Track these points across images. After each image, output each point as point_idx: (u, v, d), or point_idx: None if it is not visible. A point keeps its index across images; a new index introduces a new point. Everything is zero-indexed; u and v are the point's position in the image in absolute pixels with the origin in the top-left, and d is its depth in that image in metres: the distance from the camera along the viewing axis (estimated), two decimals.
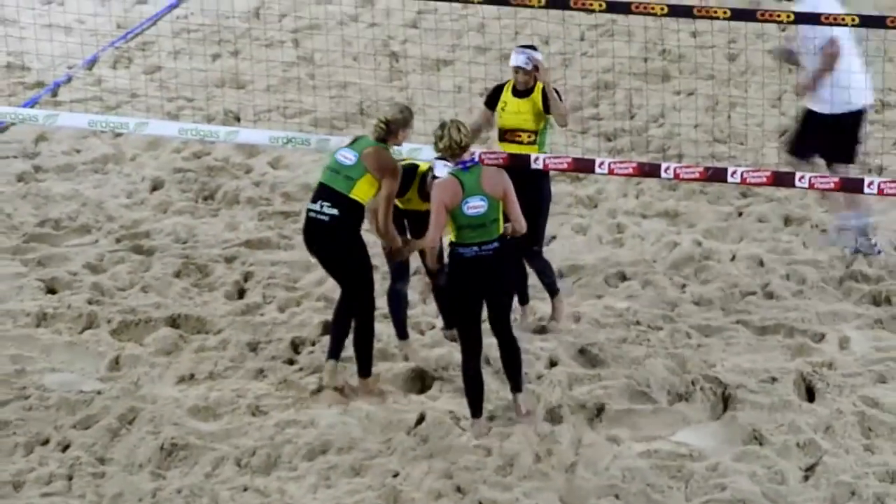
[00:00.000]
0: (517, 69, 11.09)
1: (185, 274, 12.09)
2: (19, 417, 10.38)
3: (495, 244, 9.99)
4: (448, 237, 10.07)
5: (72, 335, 11.26)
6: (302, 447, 10.09)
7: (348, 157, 10.39)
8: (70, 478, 9.85)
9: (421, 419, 10.35)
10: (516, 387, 10.36)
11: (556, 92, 11.15)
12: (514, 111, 11.13)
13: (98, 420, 10.35)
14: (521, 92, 11.13)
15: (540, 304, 11.45)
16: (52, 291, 11.77)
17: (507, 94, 11.16)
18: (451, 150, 10.00)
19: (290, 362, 11.01)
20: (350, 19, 16.00)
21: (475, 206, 9.96)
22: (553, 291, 11.40)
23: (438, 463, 9.95)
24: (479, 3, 11.86)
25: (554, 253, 12.27)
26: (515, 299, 10.85)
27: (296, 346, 11.20)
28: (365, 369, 10.67)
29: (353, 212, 10.39)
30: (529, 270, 11.37)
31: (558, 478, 9.82)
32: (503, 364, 10.36)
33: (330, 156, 10.53)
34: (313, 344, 11.22)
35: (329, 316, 10.96)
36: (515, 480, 9.80)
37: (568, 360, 10.97)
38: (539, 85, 11.08)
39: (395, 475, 9.87)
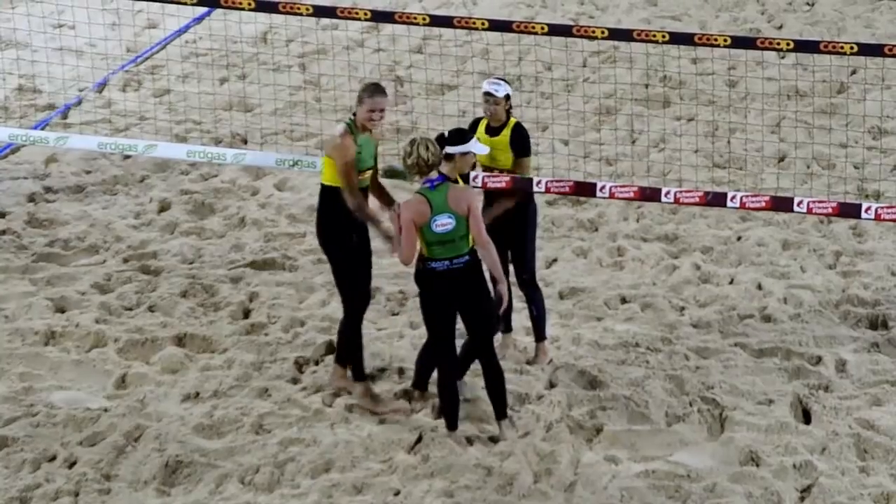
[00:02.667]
0: (487, 96, 10.92)
1: (192, 294, 12.08)
2: (27, 434, 10.38)
3: (466, 258, 10.03)
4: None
5: (79, 353, 11.26)
6: (305, 465, 10.09)
7: None
8: (76, 494, 9.85)
9: (420, 438, 10.35)
10: (499, 414, 10.37)
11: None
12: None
13: (104, 437, 10.35)
14: (494, 129, 11.01)
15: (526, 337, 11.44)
16: (60, 310, 11.77)
17: (480, 131, 11.03)
18: (419, 167, 10.03)
19: (294, 381, 11.01)
20: (356, 44, 16.01)
21: (443, 223, 10.01)
22: (540, 336, 11.26)
23: (439, 482, 9.94)
24: (482, 29, 11.92)
25: (555, 276, 12.29)
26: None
27: (300, 365, 11.20)
28: (355, 371, 10.68)
29: (326, 196, 10.45)
30: (517, 300, 11.30)
31: (557, 497, 9.82)
32: (487, 389, 10.36)
33: None
34: (317, 363, 11.22)
35: (332, 336, 10.97)
36: (515, 499, 9.79)
37: (567, 381, 10.97)
38: (511, 122, 10.96)
39: (397, 493, 9.87)
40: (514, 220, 10.94)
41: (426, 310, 10.26)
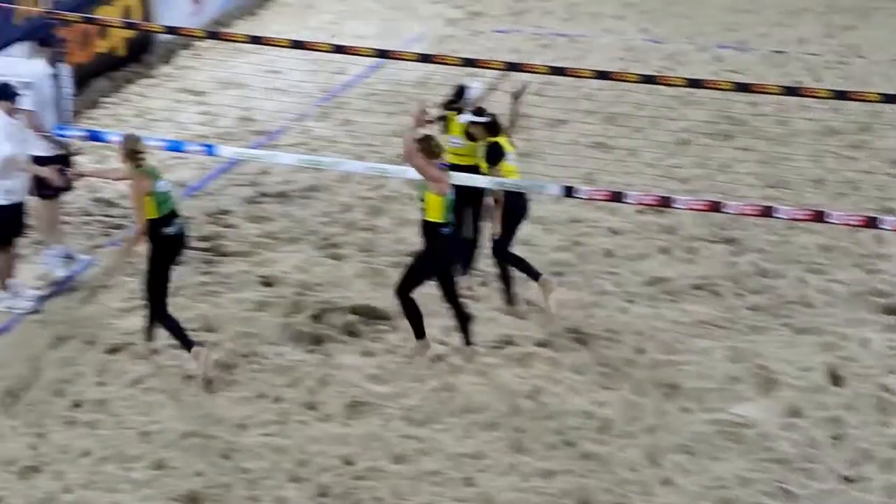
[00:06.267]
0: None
1: (366, 275, 12.09)
2: (245, 377, 10.49)
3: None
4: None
5: (282, 318, 11.32)
6: (450, 407, 10.11)
7: None
8: (281, 423, 9.94)
9: (537, 389, 10.33)
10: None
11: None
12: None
13: (302, 381, 10.44)
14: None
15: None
16: (268, 285, 11.85)
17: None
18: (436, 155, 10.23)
19: (442, 343, 10.98)
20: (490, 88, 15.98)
21: (451, 194, 10.23)
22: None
23: (552, 423, 9.93)
24: (588, 77, 11.87)
25: (643, 267, 12.21)
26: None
27: (446, 331, 11.15)
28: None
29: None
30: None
31: (644, 438, 9.78)
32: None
33: None
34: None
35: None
36: (611, 438, 9.76)
37: (650, 349, 10.91)
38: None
39: (520, 430, 9.87)
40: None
41: (437, 264, 10.37)
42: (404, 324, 10.88)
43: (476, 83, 11.47)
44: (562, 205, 13.11)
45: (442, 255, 10.36)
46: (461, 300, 10.63)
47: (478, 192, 11.04)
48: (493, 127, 10.97)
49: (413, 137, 10.15)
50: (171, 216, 10.41)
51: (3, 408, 10.13)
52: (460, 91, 11.37)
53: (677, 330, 11.18)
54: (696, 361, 10.67)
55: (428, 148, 10.18)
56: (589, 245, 12.56)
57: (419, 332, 10.58)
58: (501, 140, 10.97)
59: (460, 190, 10.53)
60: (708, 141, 14.71)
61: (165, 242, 10.37)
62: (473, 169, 11.13)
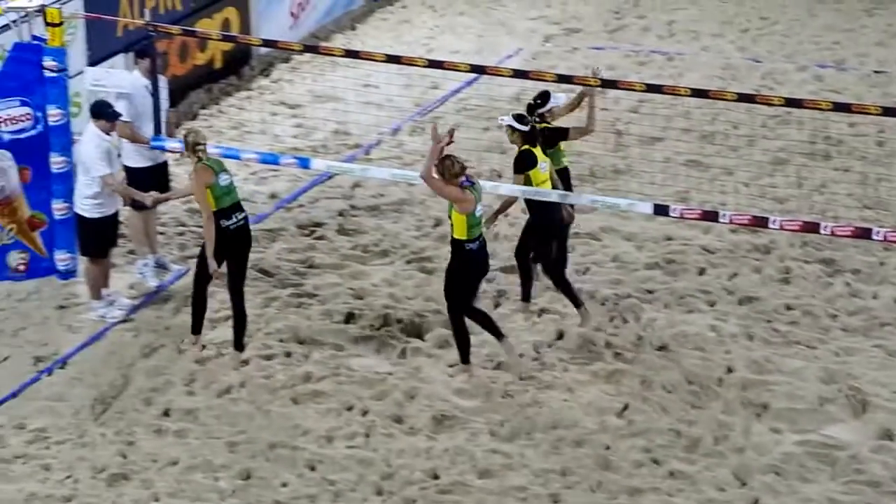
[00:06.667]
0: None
1: None
2: (333, 389, 10.55)
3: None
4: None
5: (371, 330, 11.37)
6: (538, 423, 10.09)
7: None
8: (368, 435, 9.98)
9: (626, 406, 10.28)
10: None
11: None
12: None
13: (389, 394, 10.46)
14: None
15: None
16: (359, 297, 11.90)
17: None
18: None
19: (535, 359, 10.97)
20: (586, 104, 15.93)
21: (480, 210, 10.35)
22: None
23: (640, 441, 9.88)
24: (685, 95, 11.79)
25: (735, 286, 12.10)
26: None
27: (537, 348, 11.15)
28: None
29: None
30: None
31: (732, 457, 9.69)
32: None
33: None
34: (549, 346, 11.17)
35: (561, 326, 10.94)
36: (699, 457, 9.69)
37: (742, 367, 10.81)
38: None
39: (607, 448, 9.82)
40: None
41: (467, 278, 10.49)
42: (493, 338, 10.90)
43: (562, 94, 11.59)
44: (654, 222, 13.04)
45: (468, 271, 10.48)
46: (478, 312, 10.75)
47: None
48: (530, 136, 11.11)
49: (433, 157, 10.31)
50: (232, 209, 10.69)
51: (94, 415, 10.28)
52: (545, 96, 11.50)
53: (769, 350, 11.06)
54: (787, 382, 10.55)
55: (443, 168, 10.29)
56: (681, 263, 12.48)
57: (464, 357, 10.66)
58: (536, 150, 11.12)
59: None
60: (805, 160, 14.55)
61: (225, 235, 10.61)
62: (562, 172, 11.47)
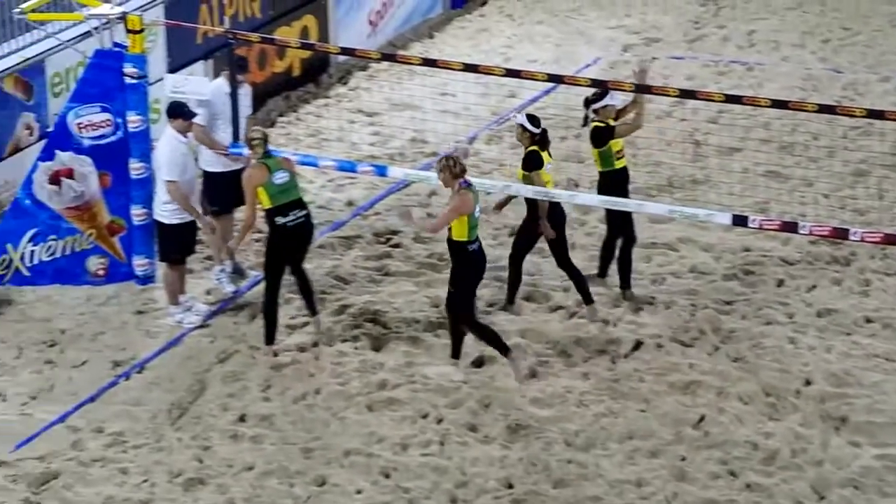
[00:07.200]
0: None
1: (534, 299, 12.07)
2: (408, 397, 10.57)
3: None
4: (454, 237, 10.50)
5: (445, 338, 11.36)
6: (613, 433, 10.06)
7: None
8: (442, 444, 9.99)
9: (702, 418, 10.22)
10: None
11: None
12: None
13: (463, 403, 10.47)
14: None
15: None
16: (434, 306, 11.91)
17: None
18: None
19: (609, 370, 10.94)
20: (665, 115, 15.88)
21: (479, 212, 10.48)
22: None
23: (716, 452, 9.82)
24: (765, 106, 11.70)
25: (814, 298, 11.99)
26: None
27: (612, 358, 11.11)
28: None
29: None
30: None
31: (810, 471, 9.61)
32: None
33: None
34: (625, 357, 11.13)
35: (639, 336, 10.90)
36: (776, 470, 9.62)
37: (821, 380, 10.70)
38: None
39: (683, 459, 9.77)
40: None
41: (472, 281, 10.63)
42: (570, 348, 10.87)
43: (620, 95, 11.68)
44: (732, 233, 12.96)
45: (470, 272, 10.57)
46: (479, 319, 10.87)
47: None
48: (541, 139, 11.44)
49: (419, 222, 11.17)
50: (289, 207, 10.88)
51: (170, 420, 10.37)
52: (604, 92, 11.52)
53: (848, 362, 10.95)
54: (866, 395, 10.44)
55: (445, 169, 10.52)
56: (759, 274, 12.39)
57: (503, 349, 10.70)
58: (543, 152, 11.42)
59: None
60: (887, 172, 14.40)
61: (280, 232, 10.79)
62: (619, 173, 11.73)
